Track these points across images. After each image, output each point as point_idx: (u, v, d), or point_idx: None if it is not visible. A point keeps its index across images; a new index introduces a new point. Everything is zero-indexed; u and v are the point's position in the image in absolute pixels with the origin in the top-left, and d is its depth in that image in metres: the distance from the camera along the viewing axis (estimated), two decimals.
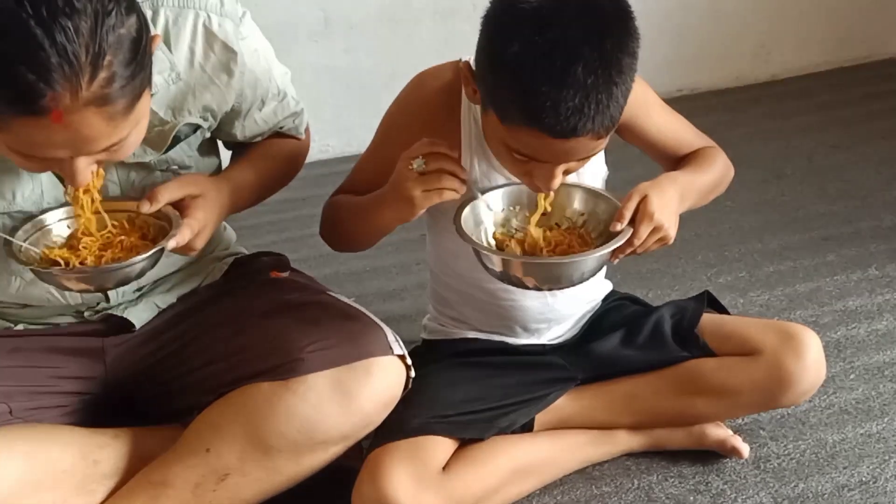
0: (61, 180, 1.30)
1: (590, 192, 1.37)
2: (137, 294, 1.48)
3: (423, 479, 1.38)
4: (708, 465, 1.56)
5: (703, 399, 1.52)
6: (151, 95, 1.24)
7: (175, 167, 1.41)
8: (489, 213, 1.36)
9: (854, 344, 1.82)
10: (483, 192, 1.36)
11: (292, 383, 1.34)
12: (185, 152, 1.41)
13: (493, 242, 1.35)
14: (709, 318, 1.56)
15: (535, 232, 1.33)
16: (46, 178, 1.32)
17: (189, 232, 1.30)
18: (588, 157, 1.29)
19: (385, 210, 1.37)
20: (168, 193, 1.31)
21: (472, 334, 1.57)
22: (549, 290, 1.41)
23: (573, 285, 1.33)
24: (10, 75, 1.05)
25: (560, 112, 1.18)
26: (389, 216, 1.38)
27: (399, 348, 1.40)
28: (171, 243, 1.27)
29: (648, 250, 1.33)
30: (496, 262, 1.29)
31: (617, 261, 1.32)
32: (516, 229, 1.36)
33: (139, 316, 1.47)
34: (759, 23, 2.91)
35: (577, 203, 1.37)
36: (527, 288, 1.31)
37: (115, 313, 1.46)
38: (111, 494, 1.39)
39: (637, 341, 1.55)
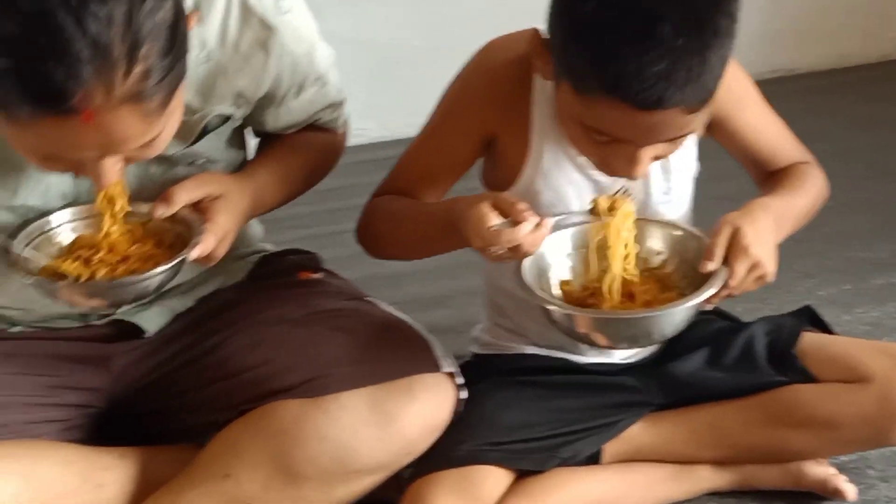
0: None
1: (667, 227, 1.38)
2: (151, 297, 1.50)
3: None
4: None
5: (802, 432, 1.51)
6: None
7: (201, 161, 1.43)
8: (555, 258, 1.36)
9: None
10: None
11: (323, 402, 1.35)
12: (213, 144, 1.43)
13: (559, 295, 1.35)
14: (809, 338, 1.55)
15: (612, 278, 1.33)
16: (55, 178, 1.35)
17: (213, 239, 1.32)
18: (678, 140, 1.28)
19: (447, 232, 1.37)
20: (186, 194, 1.33)
21: (530, 349, 1.58)
22: (639, 347, 1.42)
23: (664, 340, 1.33)
24: (36, 72, 1.06)
25: (644, 79, 1.18)
26: (455, 246, 1.39)
27: (448, 365, 1.41)
28: (194, 253, 1.29)
29: (746, 291, 1.32)
30: (563, 318, 1.29)
31: (711, 307, 1.32)
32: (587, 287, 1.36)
33: (152, 321, 1.48)
34: None
35: (653, 240, 1.38)
36: (607, 348, 1.31)
37: (124, 318, 1.47)
38: None
39: (724, 362, 1.54)
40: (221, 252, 1.35)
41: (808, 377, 1.51)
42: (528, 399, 1.51)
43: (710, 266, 1.30)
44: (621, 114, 1.22)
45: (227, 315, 1.50)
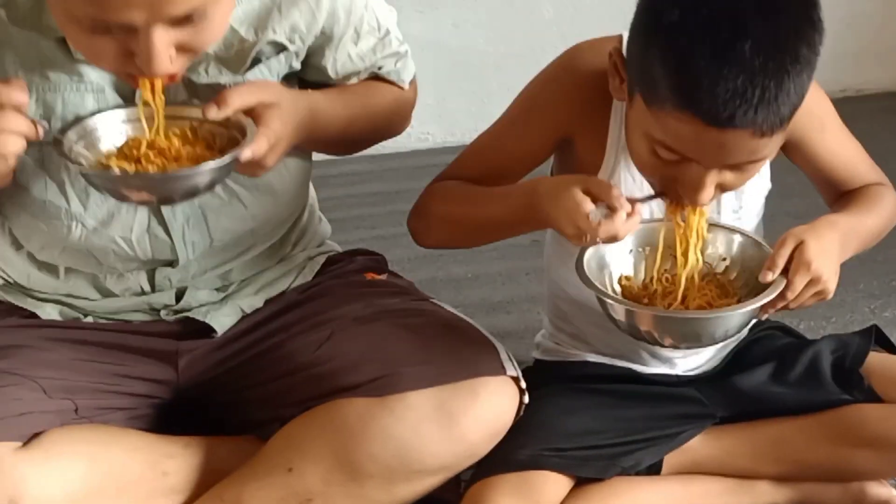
0: (128, 99, 1.34)
1: (734, 234, 1.38)
2: (222, 296, 1.52)
3: None
4: None
5: (865, 452, 1.49)
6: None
7: None
8: (616, 254, 1.37)
9: None
10: None
11: (389, 401, 1.35)
12: (265, 77, 1.40)
13: (618, 290, 1.35)
14: (876, 358, 1.54)
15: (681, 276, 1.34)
16: (112, 98, 1.35)
17: (265, 142, 1.28)
18: (747, 166, 1.27)
19: (529, 225, 1.37)
20: (240, 98, 1.29)
21: (592, 357, 1.58)
22: (687, 348, 1.42)
23: (714, 343, 1.34)
24: None
25: (718, 93, 1.17)
26: (526, 229, 1.39)
27: (512, 368, 1.41)
28: (247, 153, 1.25)
29: (803, 305, 1.32)
30: (624, 314, 1.30)
31: (766, 316, 1.32)
32: (654, 278, 1.36)
33: (222, 321, 1.49)
34: None
35: (719, 245, 1.37)
36: (659, 345, 1.31)
37: (195, 317, 1.49)
38: None
39: (789, 378, 1.54)
40: (272, 161, 1.32)
41: (873, 397, 1.50)
42: (590, 406, 1.51)
43: (770, 276, 1.29)
44: (691, 129, 1.21)
45: (294, 313, 1.51)
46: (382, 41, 1.50)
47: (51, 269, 1.47)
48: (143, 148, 1.28)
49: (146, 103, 1.28)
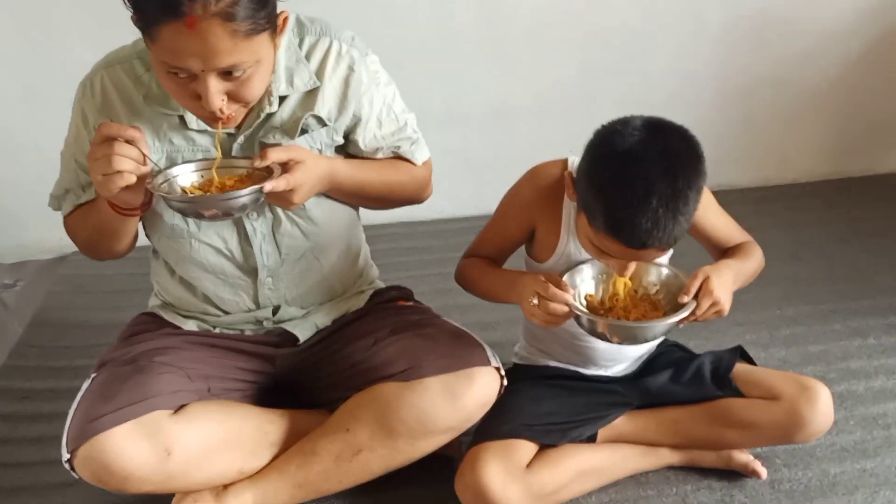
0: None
1: (663, 269, 1.38)
2: (304, 312, 1.52)
3: (511, 473, 1.39)
4: (732, 482, 1.53)
5: (732, 430, 1.49)
6: (274, 71, 1.26)
7: None
8: (583, 279, 1.37)
9: (854, 397, 1.78)
10: (578, 263, 1.38)
11: (413, 384, 1.35)
12: (310, 144, 1.37)
13: (584, 303, 1.35)
14: (740, 367, 1.54)
15: (621, 295, 1.35)
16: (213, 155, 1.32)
17: (284, 182, 1.24)
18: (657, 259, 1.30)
19: (510, 298, 1.40)
20: (275, 154, 1.27)
21: (553, 363, 1.57)
22: (627, 344, 1.41)
23: (646, 342, 1.33)
24: None
25: (635, 232, 1.19)
26: (512, 301, 1.40)
27: (495, 361, 1.40)
28: (268, 186, 1.23)
29: (707, 319, 1.32)
30: (588, 322, 1.30)
31: (682, 326, 1.31)
32: (605, 301, 1.36)
33: (303, 332, 1.50)
34: (784, 136, 2.88)
35: (653, 276, 1.37)
36: (609, 342, 1.31)
37: (286, 328, 1.49)
38: (274, 458, 1.43)
39: (682, 380, 1.53)
40: (296, 199, 1.29)
41: (738, 393, 1.50)
42: (550, 396, 1.51)
43: (685, 299, 1.29)
44: (617, 246, 1.24)
45: (351, 328, 1.52)
46: (400, 129, 1.46)
47: (189, 286, 1.46)
48: (215, 183, 1.28)
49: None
